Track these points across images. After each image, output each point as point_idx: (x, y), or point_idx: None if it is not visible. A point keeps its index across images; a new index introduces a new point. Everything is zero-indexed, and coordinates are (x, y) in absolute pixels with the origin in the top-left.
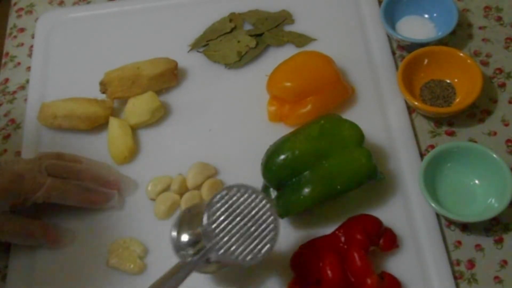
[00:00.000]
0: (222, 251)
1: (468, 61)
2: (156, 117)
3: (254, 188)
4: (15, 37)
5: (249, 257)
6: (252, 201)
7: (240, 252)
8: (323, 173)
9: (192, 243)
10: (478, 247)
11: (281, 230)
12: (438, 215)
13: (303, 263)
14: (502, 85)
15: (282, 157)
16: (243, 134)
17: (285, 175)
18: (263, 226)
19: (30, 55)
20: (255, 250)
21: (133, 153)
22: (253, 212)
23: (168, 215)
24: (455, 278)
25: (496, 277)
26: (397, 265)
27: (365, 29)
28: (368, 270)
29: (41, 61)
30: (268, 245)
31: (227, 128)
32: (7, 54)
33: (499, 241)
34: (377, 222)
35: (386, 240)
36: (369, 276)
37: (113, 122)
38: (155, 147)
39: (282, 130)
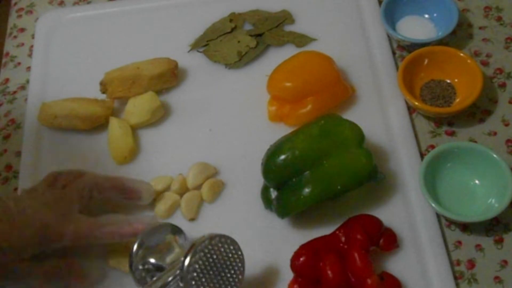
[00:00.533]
0: None
1: (468, 61)
2: (156, 117)
3: (232, 239)
4: (15, 37)
5: None
6: (229, 252)
7: None
8: (323, 173)
9: (156, 268)
10: (478, 247)
11: (281, 231)
12: (438, 215)
13: (303, 263)
14: (502, 85)
15: (282, 157)
16: (243, 134)
17: (285, 175)
18: (232, 277)
19: (30, 55)
20: None
21: (133, 153)
22: (227, 263)
23: (168, 215)
24: (455, 278)
25: (496, 277)
26: (397, 265)
27: (365, 29)
28: (368, 270)
29: (41, 61)
30: None
31: (227, 128)
32: (7, 54)
33: (499, 241)
34: (377, 222)
35: (386, 240)
36: (369, 276)
37: (113, 122)
38: (155, 147)
39: (282, 130)
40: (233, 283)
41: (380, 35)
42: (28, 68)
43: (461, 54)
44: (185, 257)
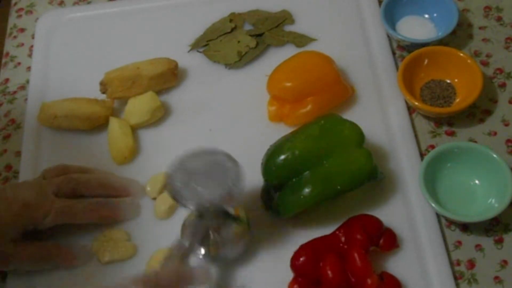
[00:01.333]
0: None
1: (468, 61)
2: (156, 117)
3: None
4: (15, 37)
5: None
6: (215, 160)
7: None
8: (323, 173)
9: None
10: (478, 247)
11: (281, 231)
12: (438, 215)
13: (303, 263)
14: (502, 85)
15: (282, 157)
16: (243, 134)
17: (285, 175)
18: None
19: (30, 55)
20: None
21: (133, 153)
22: (214, 168)
23: (168, 215)
24: (455, 278)
25: (496, 277)
26: (397, 265)
27: (365, 29)
28: (368, 270)
29: (41, 61)
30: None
31: (227, 128)
32: (7, 54)
33: (499, 241)
34: (377, 222)
35: (386, 240)
36: (369, 276)
37: (113, 122)
38: (155, 147)
39: (282, 130)
40: (226, 183)
41: (380, 35)
42: (28, 68)
43: (461, 54)
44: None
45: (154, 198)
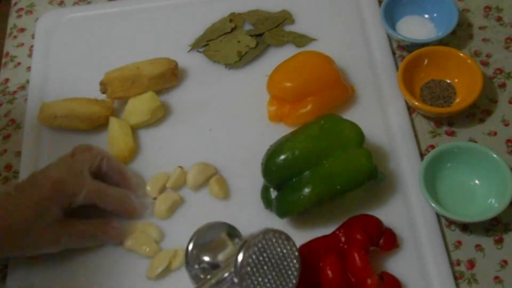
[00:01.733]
0: None
1: (468, 61)
2: (156, 117)
3: (286, 235)
4: (15, 37)
5: None
6: (284, 247)
7: None
8: (323, 173)
9: (210, 265)
10: (478, 247)
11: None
12: (438, 215)
13: (303, 263)
14: (502, 85)
15: (282, 157)
16: (243, 134)
17: (285, 175)
18: (287, 273)
19: (30, 55)
20: None
21: (133, 153)
22: (282, 259)
23: (169, 215)
24: (455, 278)
25: (496, 277)
26: (397, 265)
27: (365, 29)
28: (368, 270)
29: (41, 61)
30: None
31: (227, 128)
32: (7, 54)
33: (499, 241)
34: (377, 222)
35: (386, 240)
36: (369, 276)
37: (113, 122)
38: (155, 147)
39: (282, 130)
40: (288, 280)
41: (380, 35)
42: (28, 68)
43: (461, 54)
44: (238, 252)
45: (155, 198)
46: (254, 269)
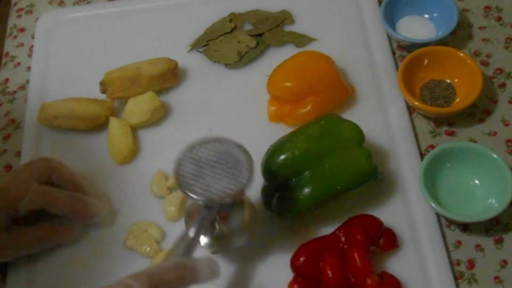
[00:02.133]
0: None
1: (468, 61)
2: (156, 117)
3: (233, 141)
4: (15, 37)
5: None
6: (227, 150)
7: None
8: (323, 173)
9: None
10: (478, 247)
11: (281, 231)
12: (438, 215)
13: (303, 263)
14: (502, 85)
15: (282, 157)
16: (243, 134)
17: (285, 175)
18: (237, 166)
19: (30, 55)
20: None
21: (133, 153)
22: (223, 158)
23: (179, 217)
24: (455, 278)
25: (496, 277)
26: (397, 265)
27: (365, 29)
28: (368, 270)
29: (41, 61)
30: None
31: (227, 128)
32: (7, 54)
33: (499, 241)
34: (377, 222)
35: (386, 240)
36: (369, 276)
37: (113, 122)
38: (155, 147)
39: (282, 130)
40: (240, 170)
41: (380, 35)
42: (28, 68)
43: (461, 54)
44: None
45: (162, 197)
46: (191, 166)
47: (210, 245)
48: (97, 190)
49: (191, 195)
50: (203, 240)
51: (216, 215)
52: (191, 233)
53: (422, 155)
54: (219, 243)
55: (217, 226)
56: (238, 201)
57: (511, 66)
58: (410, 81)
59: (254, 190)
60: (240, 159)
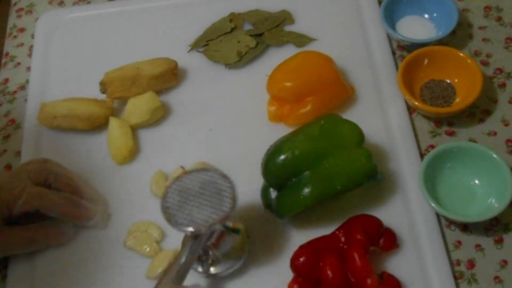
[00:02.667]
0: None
1: (468, 61)
2: (156, 117)
3: (216, 170)
4: (15, 37)
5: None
6: (211, 181)
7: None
8: (323, 173)
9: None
10: (478, 247)
11: (281, 230)
12: (438, 215)
13: (303, 263)
14: (502, 85)
15: (282, 157)
16: (243, 134)
17: (285, 175)
18: (220, 195)
19: (30, 55)
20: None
21: (133, 153)
22: (210, 189)
23: None
24: (455, 278)
25: (496, 277)
26: (397, 265)
27: (365, 29)
28: (368, 270)
29: (41, 61)
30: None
31: (227, 128)
32: (7, 54)
33: (499, 241)
34: (377, 222)
35: (386, 240)
36: (369, 276)
37: (113, 122)
38: (155, 147)
39: (282, 130)
40: (222, 206)
41: (380, 35)
42: (28, 68)
43: (461, 54)
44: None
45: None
46: (177, 198)
47: (205, 271)
48: (93, 193)
49: (176, 226)
50: (198, 267)
51: (207, 242)
52: (183, 259)
53: (422, 155)
54: (215, 269)
55: (210, 253)
56: (230, 228)
57: (511, 66)
58: (410, 81)
59: (254, 190)
60: (223, 189)
